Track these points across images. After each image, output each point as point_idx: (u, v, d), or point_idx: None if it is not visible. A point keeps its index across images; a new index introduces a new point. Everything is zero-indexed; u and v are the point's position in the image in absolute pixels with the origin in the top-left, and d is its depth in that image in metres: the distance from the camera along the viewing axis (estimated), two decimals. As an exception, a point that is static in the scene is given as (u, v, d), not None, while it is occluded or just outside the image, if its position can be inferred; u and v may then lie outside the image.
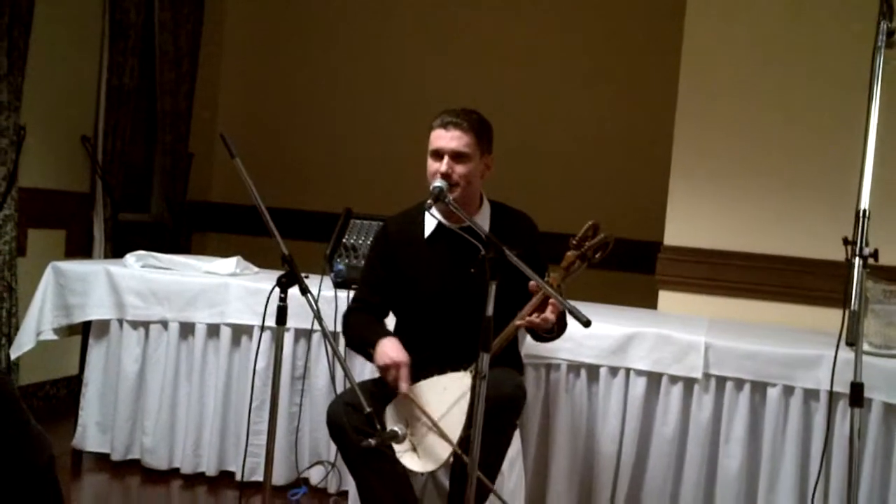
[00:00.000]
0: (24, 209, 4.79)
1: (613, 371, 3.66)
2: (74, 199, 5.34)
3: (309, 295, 2.78)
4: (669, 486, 3.61)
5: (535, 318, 2.94)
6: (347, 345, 3.29)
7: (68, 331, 4.32)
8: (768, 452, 3.52)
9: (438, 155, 3.12)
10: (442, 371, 3.03)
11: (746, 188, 4.57)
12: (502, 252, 2.57)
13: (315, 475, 4.01)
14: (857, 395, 2.52)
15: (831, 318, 2.96)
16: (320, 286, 3.80)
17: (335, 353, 2.87)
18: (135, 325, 4.15)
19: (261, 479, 3.43)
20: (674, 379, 3.61)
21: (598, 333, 3.62)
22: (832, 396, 3.28)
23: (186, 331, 4.13)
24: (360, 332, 3.22)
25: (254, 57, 6.88)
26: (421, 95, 6.27)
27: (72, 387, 4.94)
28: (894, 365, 3.46)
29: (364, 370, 3.79)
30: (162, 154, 6.26)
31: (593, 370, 3.69)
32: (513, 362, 3.27)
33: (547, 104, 6.35)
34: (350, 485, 3.31)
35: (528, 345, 3.48)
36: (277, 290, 2.80)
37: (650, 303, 4.71)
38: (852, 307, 2.45)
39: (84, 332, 4.28)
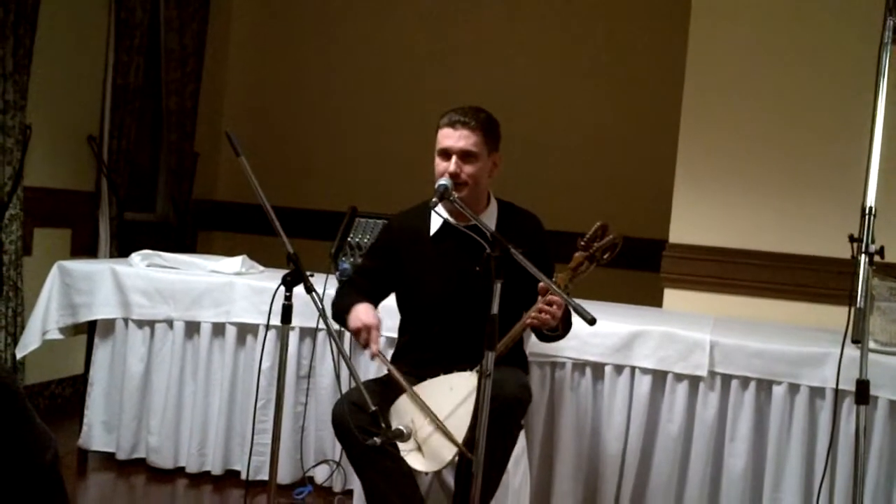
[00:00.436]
0: (29, 208, 4.78)
1: (618, 369, 3.66)
2: (80, 198, 5.34)
3: (314, 293, 2.78)
4: (674, 484, 3.61)
5: (541, 314, 2.92)
6: (333, 318, 3.27)
7: (74, 330, 4.33)
8: (774, 450, 3.52)
9: (447, 154, 3.11)
10: (447, 370, 3.02)
11: (752, 186, 4.56)
12: (508, 251, 2.57)
13: (320, 474, 4.01)
14: (862, 392, 2.51)
15: (837, 316, 2.94)
16: (325, 285, 3.79)
17: (340, 351, 2.87)
18: (140, 324, 4.15)
19: (266, 477, 3.44)
20: (679, 377, 3.60)
21: (604, 331, 3.62)
22: (838, 394, 3.26)
23: (192, 330, 4.13)
24: (339, 301, 3.29)
25: (259, 56, 6.89)
26: (426, 93, 6.27)
27: (77, 386, 4.95)
28: (900, 363, 3.45)
29: (369, 369, 3.79)
30: (167, 153, 6.26)
31: (598, 368, 3.68)
32: (518, 361, 3.27)
33: (552, 102, 6.35)
34: (355, 484, 3.30)
35: (533, 343, 3.47)
36: (283, 288, 2.79)
37: (655, 301, 4.71)
38: (858, 304, 2.45)
39: (89, 331, 4.28)
